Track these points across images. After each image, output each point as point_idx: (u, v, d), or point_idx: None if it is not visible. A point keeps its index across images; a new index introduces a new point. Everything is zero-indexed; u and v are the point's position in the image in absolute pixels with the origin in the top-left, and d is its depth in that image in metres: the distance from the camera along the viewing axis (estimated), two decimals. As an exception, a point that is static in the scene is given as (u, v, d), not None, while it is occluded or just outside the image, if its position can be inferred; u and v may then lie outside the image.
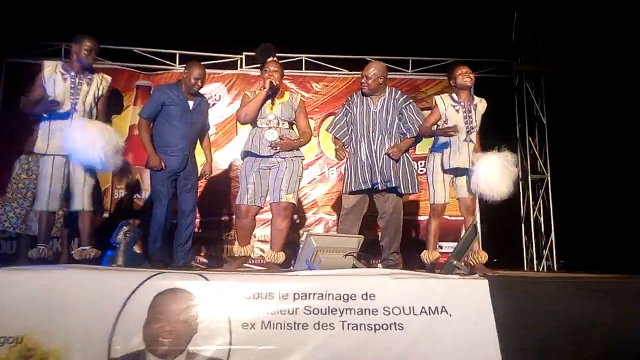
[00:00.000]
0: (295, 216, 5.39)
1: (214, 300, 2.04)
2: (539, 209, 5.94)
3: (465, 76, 3.46)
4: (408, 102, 3.68)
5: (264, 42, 3.68)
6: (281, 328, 2.01)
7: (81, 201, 3.22)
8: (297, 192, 3.41)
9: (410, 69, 5.99)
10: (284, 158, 3.34)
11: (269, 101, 3.38)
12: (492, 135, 5.78)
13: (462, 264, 2.57)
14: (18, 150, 4.77)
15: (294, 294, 2.07)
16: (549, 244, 5.83)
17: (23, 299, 1.99)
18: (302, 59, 5.85)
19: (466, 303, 2.10)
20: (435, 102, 3.58)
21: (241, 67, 5.82)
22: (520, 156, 6.06)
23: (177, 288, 2.04)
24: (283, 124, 3.37)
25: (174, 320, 1.99)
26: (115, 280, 2.05)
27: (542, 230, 5.90)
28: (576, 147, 6.07)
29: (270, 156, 3.34)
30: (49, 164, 3.21)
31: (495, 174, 3.21)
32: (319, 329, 2.02)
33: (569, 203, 5.98)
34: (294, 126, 3.49)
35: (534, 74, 6.09)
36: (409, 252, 4.11)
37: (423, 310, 2.08)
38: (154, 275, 2.05)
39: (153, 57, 5.71)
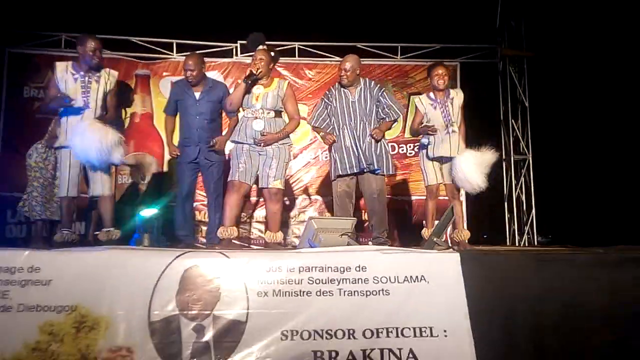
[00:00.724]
0: (286, 198, 5.88)
1: (233, 274, 2.52)
2: (521, 187, 6.47)
3: (440, 78, 3.95)
4: (383, 90, 4.10)
5: (254, 32, 4.06)
6: (289, 295, 2.50)
7: (101, 187, 3.61)
8: (284, 178, 3.74)
9: (399, 55, 6.39)
10: (274, 145, 3.66)
11: (257, 91, 3.66)
12: (477, 118, 6.30)
13: (442, 240, 3.08)
14: (25, 139, 5.20)
15: (299, 267, 2.56)
16: (529, 220, 6.38)
17: (75, 275, 2.46)
18: (295, 47, 6.23)
19: (441, 273, 2.61)
20: (415, 104, 4.11)
21: (236, 55, 6.18)
22: (503, 137, 6.57)
23: (203, 264, 2.52)
24: (269, 113, 3.64)
25: (201, 290, 2.48)
26: (151, 258, 2.53)
27: (524, 207, 6.45)
28: (556, 129, 6.60)
29: (259, 144, 3.64)
30: (68, 154, 3.58)
31: (471, 170, 3.70)
32: (320, 295, 2.52)
33: (549, 182, 6.53)
34: (283, 113, 3.75)
35: (517, 59, 6.53)
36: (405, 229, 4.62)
37: (406, 279, 2.59)
38: (183, 253, 2.53)
39: (151, 46, 6.05)
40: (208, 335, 2.42)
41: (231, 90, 5.73)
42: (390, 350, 2.45)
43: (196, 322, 2.43)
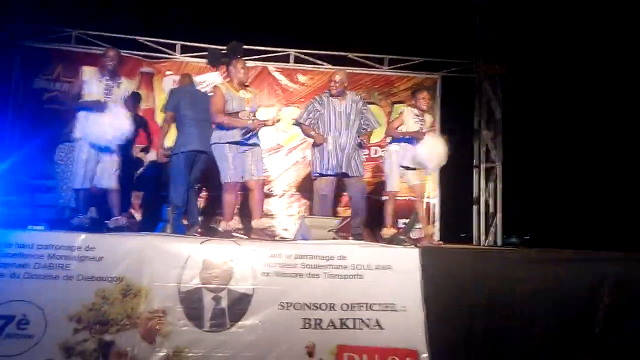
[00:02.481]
0: (275, 194, 6.87)
1: (243, 258, 3.45)
2: (489, 193, 7.50)
3: (424, 101, 4.98)
4: (365, 105, 5.03)
5: (233, 41, 4.84)
6: (286, 276, 3.45)
7: (107, 180, 4.36)
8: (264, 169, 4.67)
9: (385, 65, 7.32)
10: (253, 145, 4.45)
11: (245, 95, 4.48)
12: (454, 126, 7.34)
13: (407, 237, 4.06)
14: (35, 127, 6.00)
15: (295, 255, 3.51)
16: (494, 222, 7.42)
17: (122, 254, 3.35)
18: (290, 54, 7.11)
19: (404, 263, 3.58)
20: (403, 111, 5.05)
21: (236, 58, 7.04)
22: (476, 146, 7.57)
23: (220, 249, 3.45)
24: (255, 114, 4.50)
25: (218, 269, 3.41)
26: (181, 243, 3.46)
27: (490, 211, 7.48)
28: (525, 140, 7.64)
29: (244, 142, 4.36)
30: (84, 149, 4.32)
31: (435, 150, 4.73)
32: (310, 277, 3.48)
33: (515, 188, 7.58)
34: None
35: (492, 74, 7.51)
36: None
37: (376, 267, 3.55)
38: (205, 240, 3.46)
39: (156, 46, 6.85)
40: (223, 304, 3.35)
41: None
42: (361, 319, 3.43)
43: (215, 293, 3.36)
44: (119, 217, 4.42)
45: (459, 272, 3.59)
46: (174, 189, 4.75)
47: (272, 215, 6.83)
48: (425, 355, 3.38)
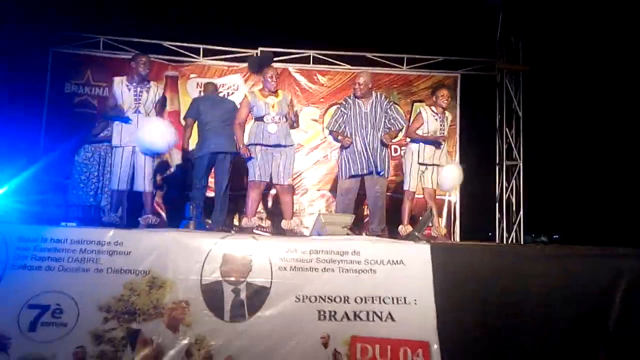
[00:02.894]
0: (297, 192, 7.04)
1: (261, 253, 3.66)
2: (511, 190, 7.57)
3: (444, 98, 5.10)
4: (391, 104, 5.23)
5: (264, 50, 5.11)
6: (302, 270, 3.65)
7: (143, 184, 4.69)
8: (292, 175, 4.95)
9: (404, 65, 7.47)
10: (284, 146, 4.76)
11: (271, 101, 4.77)
12: (475, 125, 7.44)
13: (421, 234, 4.22)
14: (65, 130, 6.36)
15: (310, 250, 3.70)
16: (517, 220, 7.49)
17: (148, 249, 3.61)
18: (310, 55, 7.33)
19: (415, 258, 3.74)
20: (420, 112, 5.21)
21: (257, 60, 7.30)
22: (498, 144, 7.65)
23: (239, 244, 3.68)
24: (281, 118, 4.77)
25: (237, 263, 3.63)
26: (203, 239, 3.69)
27: (513, 209, 7.55)
28: (546, 138, 7.67)
29: (272, 145, 4.70)
30: (120, 154, 4.69)
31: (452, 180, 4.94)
32: (325, 271, 3.66)
33: (537, 186, 7.63)
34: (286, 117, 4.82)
35: (514, 72, 7.58)
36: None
37: (389, 262, 3.72)
38: (225, 236, 3.70)
39: (180, 50, 7.17)
40: (242, 296, 3.57)
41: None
42: (374, 312, 3.60)
43: (234, 286, 3.58)
44: (149, 216, 4.72)
45: (470, 267, 3.72)
46: (196, 189, 5.12)
47: (294, 213, 7.05)
48: (436, 346, 3.53)
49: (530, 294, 3.71)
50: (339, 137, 5.12)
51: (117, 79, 4.84)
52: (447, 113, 5.18)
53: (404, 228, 5.02)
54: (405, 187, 5.15)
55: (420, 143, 5.08)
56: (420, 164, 5.08)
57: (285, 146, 4.82)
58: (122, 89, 4.75)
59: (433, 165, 5.05)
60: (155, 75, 7.05)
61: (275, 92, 4.88)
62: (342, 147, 5.10)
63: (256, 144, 4.77)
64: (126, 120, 4.71)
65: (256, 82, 7.09)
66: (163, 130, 4.63)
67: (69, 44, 7.04)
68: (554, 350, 3.71)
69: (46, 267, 3.55)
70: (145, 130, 4.60)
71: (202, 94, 6.78)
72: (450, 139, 5.23)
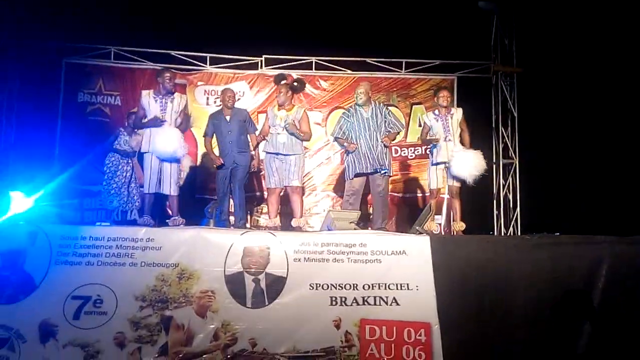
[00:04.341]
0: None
1: (278, 246, 4.24)
2: (508, 187, 8.13)
3: (445, 99, 5.69)
4: (388, 109, 5.87)
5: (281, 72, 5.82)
6: (315, 261, 4.22)
7: (169, 188, 5.24)
8: (301, 178, 5.65)
9: (403, 69, 8.04)
10: (293, 154, 5.44)
11: (280, 114, 5.52)
12: (472, 125, 8.04)
13: (422, 228, 4.79)
14: (79, 138, 6.90)
15: (321, 243, 4.28)
16: (514, 216, 8.05)
17: (177, 244, 4.18)
18: (312, 61, 7.89)
19: (416, 249, 4.31)
20: (423, 120, 5.80)
21: (261, 67, 7.84)
22: (494, 143, 8.22)
23: (258, 239, 4.24)
24: (291, 130, 5.42)
25: (257, 256, 4.20)
26: (225, 235, 4.27)
27: (510, 205, 8.11)
28: (541, 136, 8.23)
29: (284, 154, 5.43)
30: (149, 159, 5.21)
31: (467, 164, 5.41)
32: (335, 262, 4.24)
33: (533, 183, 8.19)
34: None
35: (508, 74, 8.15)
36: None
37: (393, 252, 4.29)
38: (245, 232, 4.27)
39: (188, 59, 7.72)
40: (262, 285, 4.15)
41: (257, 97, 7.70)
42: (380, 297, 4.18)
43: (254, 276, 4.16)
44: (176, 217, 5.27)
45: (466, 256, 4.30)
46: (218, 196, 5.70)
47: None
48: (437, 326, 4.09)
49: (521, 278, 4.28)
50: (345, 144, 5.72)
51: (144, 92, 5.41)
52: (452, 110, 5.73)
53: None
54: (429, 187, 5.85)
55: (435, 145, 5.64)
56: (436, 164, 5.62)
57: (295, 154, 5.50)
58: (149, 101, 5.29)
59: (447, 162, 5.58)
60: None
61: (289, 107, 5.60)
62: (347, 151, 5.70)
63: (269, 153, 5.52)
64: (154, 127, 5.21)
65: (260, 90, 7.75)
66: (174, 140, 5.18)
67: (81, 55, 7.56)
68: (543, 326, 4.25)
69: (86, 263, 4.12)
70: (157, 140, 5.14)
71: (211, 101, 7.40)
72: (464, 132, 5.76)
